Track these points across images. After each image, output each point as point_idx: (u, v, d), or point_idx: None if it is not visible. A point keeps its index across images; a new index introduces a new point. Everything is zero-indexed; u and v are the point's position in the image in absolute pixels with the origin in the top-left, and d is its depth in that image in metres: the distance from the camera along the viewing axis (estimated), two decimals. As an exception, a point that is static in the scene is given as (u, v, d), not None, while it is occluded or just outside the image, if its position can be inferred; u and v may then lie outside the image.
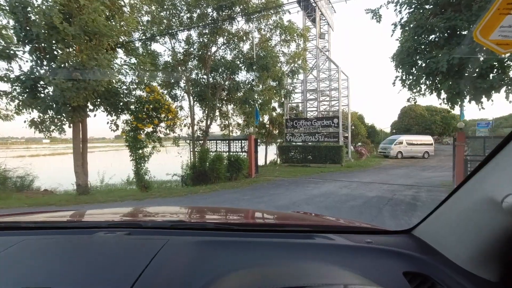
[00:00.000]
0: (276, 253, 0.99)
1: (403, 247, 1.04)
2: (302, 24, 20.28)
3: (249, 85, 13.26)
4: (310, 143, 20.74)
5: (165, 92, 13.79)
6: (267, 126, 24.13)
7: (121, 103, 9.92)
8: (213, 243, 1.03)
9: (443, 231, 1.00)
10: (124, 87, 9.62)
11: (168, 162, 14.66)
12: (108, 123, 10.03)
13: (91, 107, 9.43)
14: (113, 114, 9.95)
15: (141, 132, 10.29)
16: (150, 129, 10.59)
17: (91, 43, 7.43)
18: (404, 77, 10.49)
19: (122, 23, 8.98)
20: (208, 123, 14.20)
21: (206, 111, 14.27)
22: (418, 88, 11.52)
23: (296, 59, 15.25)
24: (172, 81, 13.40)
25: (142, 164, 10.45)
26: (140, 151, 10.34)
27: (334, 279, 0.83)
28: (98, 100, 9.10)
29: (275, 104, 24.19)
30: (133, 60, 10.18)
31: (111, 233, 1.09)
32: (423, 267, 0.93)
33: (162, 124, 10.80)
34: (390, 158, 27.85)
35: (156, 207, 3.08)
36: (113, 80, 8.99)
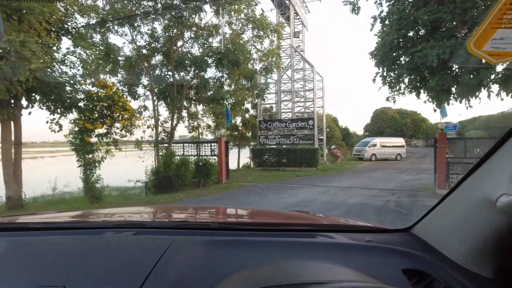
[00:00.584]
0: (279, 252, 1.00)
1: (402, 245, 1.06)
2: (276, 21, 19.45)
3: (219, 83, 12.06)
4: (284, 146, 19.87)
5: (125, 89, 12.30)
6: (239, 128, 23.03)
7: (66, 100, 8.39)
8: (218, 242, 1.04)
9: (440, 230, 1.02)
10: (69, 80, 8.08)
11: (132, 167, 13.19)
12: (47, 122, 8.45)
13: (25, 102, 7.85)
14: (56, 112, 8.40)
15: (91, 134, 8.81)
16: (103, 130, 9.13)
17: (12, 21, 5.97)
18: (385, 74, 9.77)
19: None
20: (174, 124, 12.84)
21: (171, 111, 12.90)
22: (398, 87, 10.93)
23: (270, 57, 14.27)
24: (132, 77, 11.94)
25: (93, 171, 8.95)
26: (90, 156, 8.85)
27: (335, 276, 0.85)
28: (34, 94, 7.56)
29: (248, 106, 23.17)
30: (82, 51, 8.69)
31: (118, 233, 1.11)
32: (421, 265, 0.95)
33: (118, 125, 9.35)
34: (365, 161, 27.63)
35: (162, 207, 3.35)
36: (53, 71, 7.49)
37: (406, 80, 9.70)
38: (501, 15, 0.95)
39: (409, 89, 10.92)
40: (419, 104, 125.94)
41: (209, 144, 13.98)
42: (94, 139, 9.05)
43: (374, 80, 10.25)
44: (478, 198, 0.82)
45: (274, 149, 19.65)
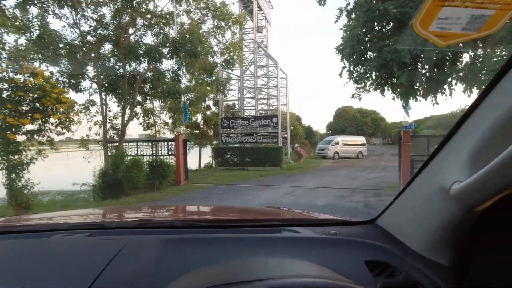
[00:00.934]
0: (243, 248, 0.99)
1: (366, 237, 1.07)
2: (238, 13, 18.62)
3: (175, 76, 10.95)
4: (248, 145, 19.14)
5: (66, 80, 10.76)
6: (201, 126, 21.91)
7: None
8: (180, 240, 1.02)
9: (401, 220, 1.04)
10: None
11: (80, 168, 11.65)
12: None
13: None
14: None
15: (18, 131, 7.38)
16: (33, 127, 7.71)
17: None
18: (351, 68, 9.34)
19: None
20: (125, 120, 11.51)
21: (122, 106, 11.57)
22: (363, 84, 10.61)
23: (232, 50, 13.40)
24: (75, 67, 10.46)
25: (20, 175, 7.51)
26: (16, 157, 7.41)
27: (296, 271, 0.84)
28: None
29: (210, 102, 22.12)
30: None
31: (70, 235, 1.06)
32: (383, 255, 0.97)
33: (52, 120, 7.97)
34: (328, 159, 27.78)
35: (122, 207, 3.49)
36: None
37: (374, 76, 9.34)
38: None
39: (374, 86, 10.66)
40: (378, 104, 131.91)
41: (166, 143, 12.81)
42: (22, 137, 7.62)
43: (340, 75, 9.82)
44: (434, 188, 0.84)
45: (237, 148, 18.85)
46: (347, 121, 43.26)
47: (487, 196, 0.66)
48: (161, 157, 12.23)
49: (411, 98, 8.85)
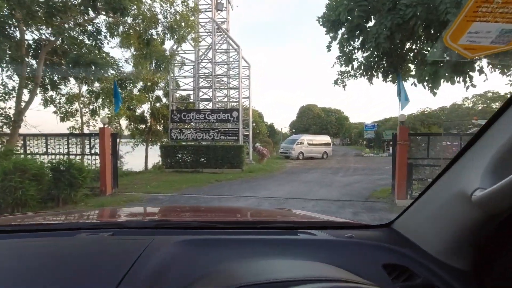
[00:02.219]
0: (260, 249, 0.98)
1: (383, 240, 1.06)
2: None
3: (93, 39, 7.68)
4: (203, 142, 16.20)
5: None
6: (148, 120, 18.49)
7: None
8: (198, 241, 1.02)
9: (419, 224, 1.03)
10: None
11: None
12: None
13: None
14: None
15: None
16: None
17: None
18: (345, 36, 6.88)
19: None
20: (22, 105, 8.03)
21: (19, 85, 8.08)
22: (351, 66, 8.27)
23: (183, 23, 10.34)
24: None
25: None
26: None
27: (317, 273, 0.83)
28: None
29: (160, 93, 18.78)
30: None
31: (94, 234, 1.06)
32: (401, 259, 0.96)
33: None
34: (292, 159, 25.72)
35: (141, 208, 3.57)
36: None
37: (372, 50, 6.96)
38: (476, 8, 0.91)
39: (362, 70, 8.38)
40: (342, 103, 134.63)
41: (87, 138, 9.46)
42: None
43: (329, 48, 7.41)
44: (455, 193, 0.83)
45: (190, 146, 15.81)
46: (311, 119, 41.78)
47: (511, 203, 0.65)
48: (76, 157, 8.91)
49: (442, 80, 6.55)
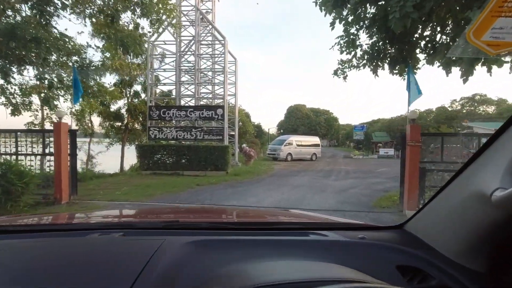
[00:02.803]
0: (272, 250, 0.98)
1: (396, 241, 1.06)
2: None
3: (36, 10, 6.17)
4: (185, 142, 14.82)
5: None
6: (125, 117, 16.93)
7: None
8: (209, 242, 1.01)
9: (433, 226, 1.02)
10: None
11: None
12: None
13: None
14: None
15: None
16: None
17: None
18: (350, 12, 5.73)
19: None
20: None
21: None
22: (353, 54, 7.15)
23: (160, 4, 8.94)
24: None
25: None
26: None
27: (329, 274, 0.83)
28: None
29: (138, 88, 17.26)
30: None
31: (106, 235, 1.07)
32: (415, 261, 0.95)
33: None
34: (280, 161, 24.63)
35: (150, 207, 3.42)
36: None
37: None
38: (502, 3, 0.90)
39: (365, 59, 7.27)
40: (330, 104, 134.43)
41: (41, 135, 7.96)
42: None
43: (332, 26, 6.23)
44: (472, 193, 0.81)
45: (170, 146, 14.39)
46: (299, 120, 40.71)
47: None
48: (26, 158, 7.43)
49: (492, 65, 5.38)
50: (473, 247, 0.85)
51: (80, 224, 1.36)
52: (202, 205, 7.25)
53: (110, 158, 17.28)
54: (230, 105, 19.45)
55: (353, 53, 6.93)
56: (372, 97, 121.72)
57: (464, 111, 36.36)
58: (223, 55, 15.36)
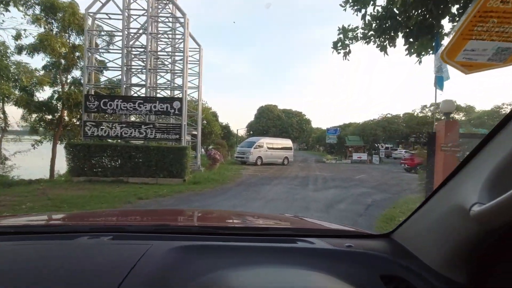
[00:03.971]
0: (259, 257, 0.98)
1: (382, 250, 1.06)
2: None
3: None
4: (132, 142, 11.96)
5: None
6: (58, 109, 13.60)
7: None
8: (197, 247, 1.01)
9: (418, 236, 1.02)
10: None
11: None
12: None
13: None
14: None
15: None
16: None
17: None
18: None
19: None
20: None
21: None
22: (363, 22, 4.93)
23: None
24: None
25: None
26: None
27: (312, 283, 0.86)
28: None
29: (77, 73, 14.04)
30: None
31: (95, 238, 1.05)
32: (399, 270, 0.96)
33: None
34: (249, 165, 22.27)
35: (141, 210, 3.53)
36: None
37: None
38: (472, 27, 0.96)
39: (378, 31, 5.08)
40: (302, 105, 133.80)
41: None
42: None
43: None
44: (453, 206, 0.82)
45: (112, 146, 11.46)
46: (270, 121, 38.41)
47: (510, 219, 0.65)
48: None
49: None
50: (455, 259, 0.85)
51: (70, 226, 1.34)
52: (194, 208, 6.98)
53: (39, 159, 13.88)
54: (193, 99, 16.76)
55: (363, 11, 4.65)
56: (344, 100, 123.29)
57: (437, 116, 36.17)
58: (183, 37, 12.60)
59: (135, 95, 12.85)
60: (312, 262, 0.96)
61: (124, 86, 12.20)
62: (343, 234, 1.32)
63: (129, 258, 0.90)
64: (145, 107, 11.75)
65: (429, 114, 37.96)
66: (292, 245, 1.07)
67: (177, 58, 14.17)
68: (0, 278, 0.81)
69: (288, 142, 26.67)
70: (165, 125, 12.28)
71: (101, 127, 11.69)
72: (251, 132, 39.12)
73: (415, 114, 39.03)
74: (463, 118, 35.77)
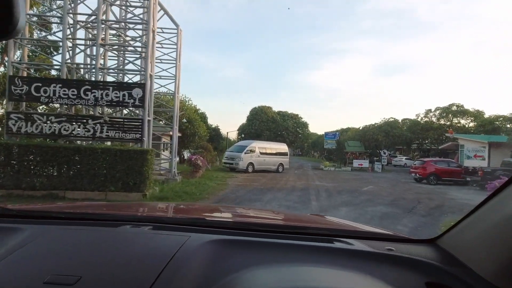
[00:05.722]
0: (294, 255, 0.97)
1: (427, 256, 1.01)
2: None
3: None
4: (76, 142, 8.88)
5: None
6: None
7: None
8: (232, 242, 1.02)
9: (469, 243, 0.97)
10: None
11: None
12: None
13: None
14: None
15: None
16: None
17: None
18: None
19: None
20: None
21: None
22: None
23: None
24: None
25: None
26: None
27: (352, 285, 0.84)
28: None
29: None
30: None
31: (137, 227, 1.11)
32: (446, 279, 0.91)
33: None
34: (239, 172, 19.38)
35: (178, 204, 3.71)
36: None
37: None
38: None
39: None
40: (296, 108, 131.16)
41: None
42: None
43: None
44: (510, 213, 0.79)
45: (44, 147, 8.35)
46: (264, 123, 35.33)
47: None
48: None
49: None
50: (511, 269, 0.79)
51: (115, 215, 1.37)
52: (229, 205, 7.08)
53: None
54: (168, 92, 13.72)
55: None
56: (343, 104, 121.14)
57: (442, 121, 33.68)
58: (147, 2, 9.54)
59: (80, 78, 9.69)
60: (351, 264, 0.93)
61: (66, 66, 9.06)
62: (382, 237, 1.26)
63: (169, 247, 0.93)
64: (94, 95, 8.66)
65: (434, 119, 35.53)
66: (328, 244, 1.05)
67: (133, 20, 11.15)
68: (49, 258, 0.88)
69: (283, 147, 23.74)
70: (121, 120, 9.20)
71: (32, 121, 8.56)
72: (243, 136, 36.03)
73: (418, 119, 36.56)
74: (471, 124, 33.32)
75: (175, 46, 12.96)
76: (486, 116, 32.30)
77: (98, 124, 8.73)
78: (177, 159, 14.91)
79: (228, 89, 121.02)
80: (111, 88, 8.82)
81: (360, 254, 1.00)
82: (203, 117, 26.22)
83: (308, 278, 0.84)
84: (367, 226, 1.59)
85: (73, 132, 8.66)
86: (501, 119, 29.66)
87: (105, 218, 1.27)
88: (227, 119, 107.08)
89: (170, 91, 13.50)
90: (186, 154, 21.61)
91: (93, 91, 8.67)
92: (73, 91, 8.61)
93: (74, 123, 8.71)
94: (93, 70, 9.17)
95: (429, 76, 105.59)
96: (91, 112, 9.19)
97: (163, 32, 13.10)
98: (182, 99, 21.12)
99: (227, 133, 30.37)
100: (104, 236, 1.04)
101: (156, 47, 13.17)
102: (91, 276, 0.79)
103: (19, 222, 1.12)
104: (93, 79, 9.35)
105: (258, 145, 21.64)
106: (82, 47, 9.20)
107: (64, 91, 8.58)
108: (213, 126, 30.08)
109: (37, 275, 0.79)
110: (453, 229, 1.04)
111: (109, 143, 9.45)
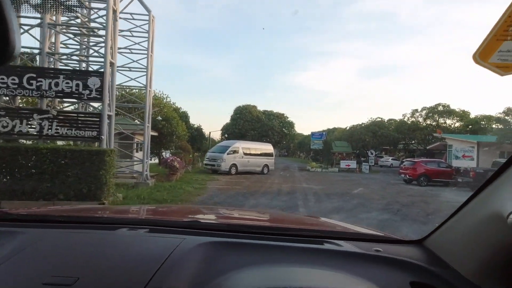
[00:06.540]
0: (284, 256, 0.98)
1: (412, 257, 1.02)
2: None
3: None
4: (21, 141, 7.42)
5: None
6: None
7: None
8: (225, 244, 1.03)
9: (452, 243, 1.00)
10: None
11: None
12: None
13: None
14: None
15: None
16: None
17: None
18: None
19: None
20: None
21: None
22: None
23: None
24: None
25: None
26: None
27: (339, 285, 0.85)
28: None
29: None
30: None
31: (133, 230, 1.12)
32: (430, 278, 0.92)
33: None
34: (221, 174, 18.14)
35: (174, 206, 3.93)
36: None
37: None
38: (507, 27, 0.92)
39: None
40: (283, 108, 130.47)
41: None
42: None
43: None
44: (490, 214, 0.79)
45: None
46: (248, 123, 34.03)
47: None
48: None
49: None
50: (491, 268, 0.82)
51: (112, 218, 1.40)
52: (225, 206, 7.15)
53: None
54: (138, 86, 12.32)
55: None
56: (329, 105, 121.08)
57: (428, 121, 33.34)
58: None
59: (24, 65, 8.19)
60: (339, 264, 0.96)
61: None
62: (371, 238, 1.29)
63: (163, 250, 0.93)
64: (40, 85, 7.21)
65: (420, 119, 35.20)
66: (318, 246, 1.07)
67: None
68: (47, 261, 0.89)
69: (268, 147, 22.59)
70: (75, 115, 7.76)
71: (-38, 116, 7.03)
72: (226, 136, 34.64)
73: (405, 119, 36.17)
74: (457, 124, 33.12)
75: (146, 34, 11.58)
76: (472, 116, 32.14)
77: (45, 120, 7.27)
78: (151, 160, 13.48)
79: (213, 90, 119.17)
80: (61, 76, 7.36)
81: (349, 255, 1.02)
82: (184, 116, 24.77)
83: (297, 279, 0.85)
84: (359, 227, 1.61)
85: (14, 129, 7.17)
86: (485, 119, 29.50)
87: (103, 221, 1.30)
88: (212, 120, 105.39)
89: (142, 85, 12.10)
90: (166, 155, 20.15)
91: (38, 79, 7.21)
92: (13, 80, 7.12)
93: (16, 119, 7.22)
94: (41, 56, 7.67)
95: (415, 77, 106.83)
96: (37, 106, 7.71)
97: (133, 19, 11.71)
98: (159, 95, 19.69)
99: (210, 133, 29.03)
100: (101, 239, 1.06)
101: (125, 36, 11.82)
102: (88, 277, 0.81)
103: (19, 226, 1.13)
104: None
105: (242, 145, 20.42)
106: (27, 28, 7.69)
107: (2, 79, 7.09)
108: (195, 126, 28.61)
109: (36, 277, 0.81)
110: (438, 229, 1.06)
111: (65, 142, 8.06)
